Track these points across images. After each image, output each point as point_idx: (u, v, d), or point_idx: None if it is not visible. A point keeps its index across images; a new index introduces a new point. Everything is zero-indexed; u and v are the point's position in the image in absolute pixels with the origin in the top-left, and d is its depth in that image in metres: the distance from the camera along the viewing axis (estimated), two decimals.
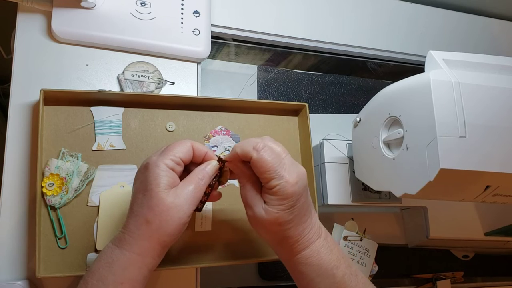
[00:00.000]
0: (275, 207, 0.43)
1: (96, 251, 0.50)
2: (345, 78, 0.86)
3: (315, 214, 0.47)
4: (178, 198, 0.41)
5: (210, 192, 0.46)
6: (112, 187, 0.52)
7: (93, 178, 0.52)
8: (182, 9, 0.64)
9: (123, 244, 0.41)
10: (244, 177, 0.46)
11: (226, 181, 0.48)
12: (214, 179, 0.47)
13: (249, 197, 0.45)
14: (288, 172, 0.43)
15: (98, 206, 0.51)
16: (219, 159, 0.47)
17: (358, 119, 0.62)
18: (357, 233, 0.66)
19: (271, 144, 0.44)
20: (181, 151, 0.44)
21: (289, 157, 0.44)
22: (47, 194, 0.49)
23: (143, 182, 0.42)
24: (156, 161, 0.42)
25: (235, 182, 0.58)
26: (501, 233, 0.74)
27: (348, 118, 0.81)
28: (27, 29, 0.57)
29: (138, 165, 0.53)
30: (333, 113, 0.83)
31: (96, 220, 0.51)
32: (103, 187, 0.52)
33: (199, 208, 0.45)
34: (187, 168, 0.45)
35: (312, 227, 0.46)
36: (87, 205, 0.51)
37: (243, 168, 0.45)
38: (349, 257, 0.48)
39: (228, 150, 0.59)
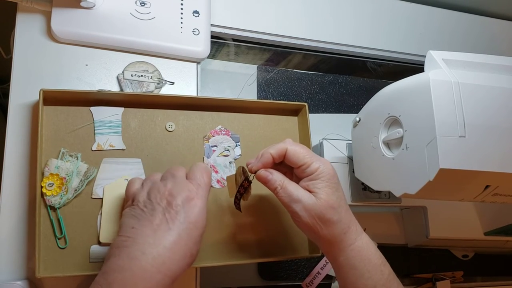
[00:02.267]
0: (323, 190, 0.46)
1: (99, 243, 0.50)
2: (345, 78, 0.86)
3: None
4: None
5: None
6: (116, 181, 0.53)
7: (93, 178, 0.52)
8: (181, 9, 0.64)
9: (167, 271, 0.39)
10: (278, 179, 0.48)
11: (248, 198, 0.52)
12: (239, 196, 0.51)
13: (294, 192, 0.46)
14: (320, 157, 0.48)
15: (102, 199, 0.52)
16: (246, 179, 0.50)
17: (357, 119, 0.62)
18: None
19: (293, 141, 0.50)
20: (210, 184, 0.46)
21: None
22: (47, 194, 0.49)
23: (193, 215, 0.42)
24: (203, 199, 0.44)
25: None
26: (501, 233, 0.74)
27: (348, 118, 0.81)
28: (26, 29, 0.57)
29: (141, 161, 0.54)
30: (333, 113, 0.83)
31: (100, 213, 0.51)
32: (107, 180, 0.52)
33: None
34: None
35: (355, 219, 0.48)
36: (91, 197, 0.51)
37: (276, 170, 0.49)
38: None
39: (228, 150, 0.59)
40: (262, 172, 0.48)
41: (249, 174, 0.50)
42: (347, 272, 0.47)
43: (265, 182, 0.48)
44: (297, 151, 0.47)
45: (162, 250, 0.39)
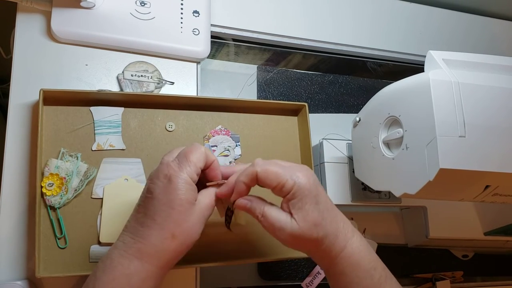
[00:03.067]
0: (303, 210, 0.43)
1: (99, 243, 0.50)
2: (345, 78, 0.86)
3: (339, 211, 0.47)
4: (200, 214, 0.42)
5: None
6: (116, 180, 0.53)
7: (93, 178, 0.52)
8: (181, 9, 0.64)
9: (145, 256, 0.40)
10: (257, 207, 0.45)
11: (244, 221, 0.51)
12: (227, 224, 0.49)
13: (275, 220, 0.43)
14: (295, 169, 0.44)
15: (102, 199, 0.52)
16: (228, 209, 0.48)
17: (357, 119, 0.62)
18: None
19: (263, 159, 0.45)
20: (200, 160, 0.43)
21: (284, 161, 0.46)
22: (47, 194, 0.49)
23: (168, 194, 0.40)
24: (181, 173, 0.41)
25: None
26: (501, 233, 0.74)
27: (348, 118, 0.81)
28: (26, 29, 0.57)
29: (141, 161, 0.54)
30: (333, 113, 0.83)
31: (100, 213, 0.51)
32: (107, 180, 0.52)
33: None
34: None
35: (345, 221, 0.46)
36: (91, 197, 0.51)
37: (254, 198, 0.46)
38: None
39: (228, 150, 0.59)
40: (241, 201, 0.45)
41: (229, 203, 0.47)
42: (337, 278, 0.46)
43: (245, 210, 0.46)
44: (268, 172, 0.43)
45: (139, 237, 0.40)
